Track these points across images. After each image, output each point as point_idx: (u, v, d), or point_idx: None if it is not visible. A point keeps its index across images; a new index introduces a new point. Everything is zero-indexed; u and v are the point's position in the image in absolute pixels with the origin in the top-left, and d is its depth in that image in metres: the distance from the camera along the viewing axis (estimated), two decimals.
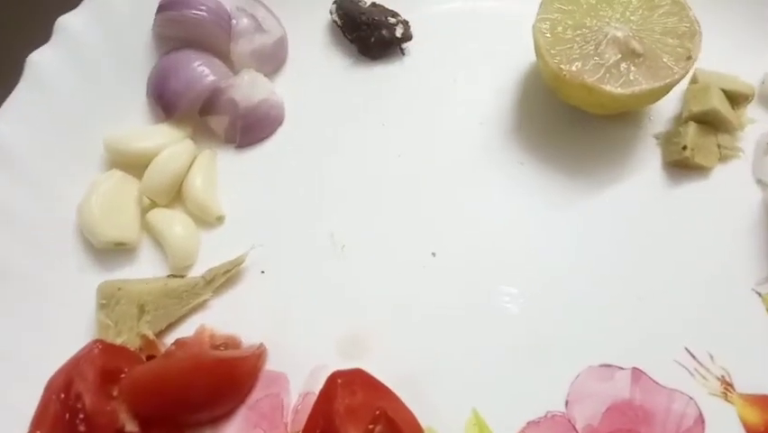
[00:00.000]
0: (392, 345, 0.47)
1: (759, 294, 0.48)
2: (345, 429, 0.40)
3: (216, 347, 0.47)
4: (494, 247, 0.51)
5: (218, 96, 0.55)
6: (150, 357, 0.47)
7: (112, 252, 0.51)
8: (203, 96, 0.54)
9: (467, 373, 0.46)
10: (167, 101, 0.54)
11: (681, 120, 0.54)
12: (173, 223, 0.52)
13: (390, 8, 0.60)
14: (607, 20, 0.51)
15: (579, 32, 0.50)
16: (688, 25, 0.50)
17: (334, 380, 0.43)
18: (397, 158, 0.55)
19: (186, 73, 0.54)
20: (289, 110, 0.57)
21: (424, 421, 0.43)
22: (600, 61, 0.49)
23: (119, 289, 0.47)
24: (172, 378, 0.43)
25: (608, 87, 0.48)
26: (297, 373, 0.47)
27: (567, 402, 0.45)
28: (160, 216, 0.52)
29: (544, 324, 0.47)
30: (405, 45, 0.59)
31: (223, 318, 0.49)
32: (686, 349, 0.46)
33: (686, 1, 0.51)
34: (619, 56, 0.49)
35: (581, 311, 0.48)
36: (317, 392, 0.44)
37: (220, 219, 0.53)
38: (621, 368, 0.46)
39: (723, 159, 0.53)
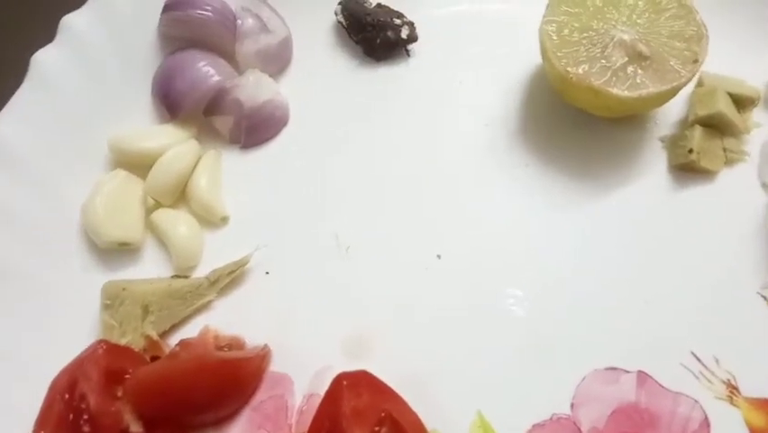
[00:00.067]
0: (397, 346, 0.47)
1: (765, 298, 0.48)
2: (351, 431, 0.40)
3: (220, 348, 0.47)
4: (499, 249, 0.50)
5: (223, 96, 0.54)
6: (154, 358, 0.47)
7: (116, 252, 0.51)
8: (208, 96, 0.54)
9: (472, 375, 0.46)
10: (172, 101, 0.54)
11: (686, 123, 0.54)
12: (177, 223, 0.51)
13: (396, 9, 0.60)
14: (613, 23, 0.51)
15: (585, 34, 0.50)
16: (695, 29, 0.50)
17: (340, 381, 0.43)
18: (402, 159, 0.55)
19: (191, 73, 0.54)
20: (294, 111, 0.57)
21: (428, 423, 0.43)
22: (607, 64, 0.49)
23: (123, 289, 0.47)
24: (176, 379, 0.43)
25: (614, 90, 0.48)
26: (302, 374, 0.46)
27: (572, 405, 0.45)
28: (164, 217, 0.52)
29: (549, 326, 0.47)
30: (410, 46, 0.59)
31: (227, 319, 0.48)
32: (692, 353, 0.46)
33: (693, 4, 0.51)
34: (626, 59, 0.49)
35: (587, 314, 0.48)
36: (321, 394, 0.44)
37: (224, 220, 0.53)
38: (627, 371, 0.46)
39: (729, 162, 0.53)
